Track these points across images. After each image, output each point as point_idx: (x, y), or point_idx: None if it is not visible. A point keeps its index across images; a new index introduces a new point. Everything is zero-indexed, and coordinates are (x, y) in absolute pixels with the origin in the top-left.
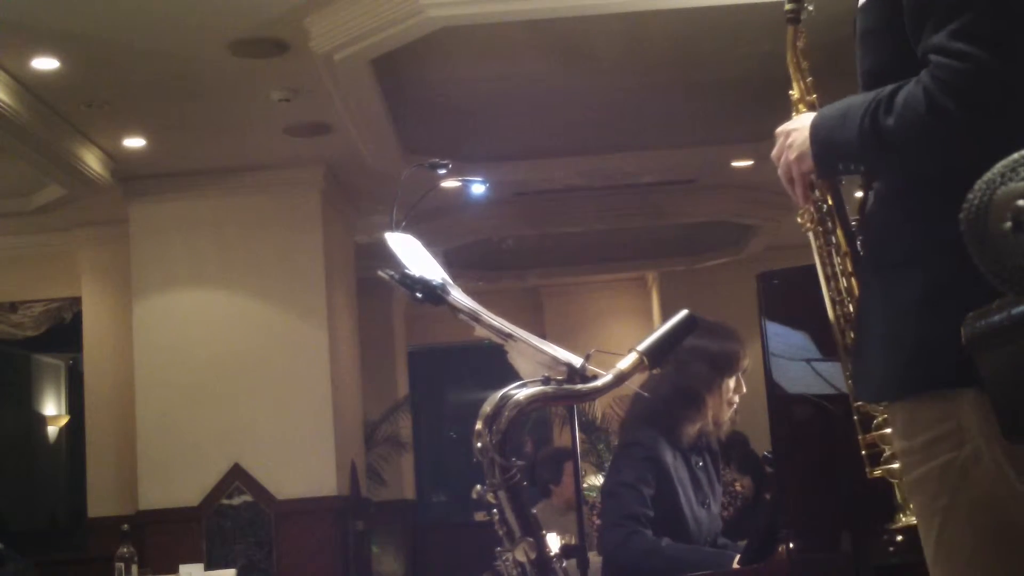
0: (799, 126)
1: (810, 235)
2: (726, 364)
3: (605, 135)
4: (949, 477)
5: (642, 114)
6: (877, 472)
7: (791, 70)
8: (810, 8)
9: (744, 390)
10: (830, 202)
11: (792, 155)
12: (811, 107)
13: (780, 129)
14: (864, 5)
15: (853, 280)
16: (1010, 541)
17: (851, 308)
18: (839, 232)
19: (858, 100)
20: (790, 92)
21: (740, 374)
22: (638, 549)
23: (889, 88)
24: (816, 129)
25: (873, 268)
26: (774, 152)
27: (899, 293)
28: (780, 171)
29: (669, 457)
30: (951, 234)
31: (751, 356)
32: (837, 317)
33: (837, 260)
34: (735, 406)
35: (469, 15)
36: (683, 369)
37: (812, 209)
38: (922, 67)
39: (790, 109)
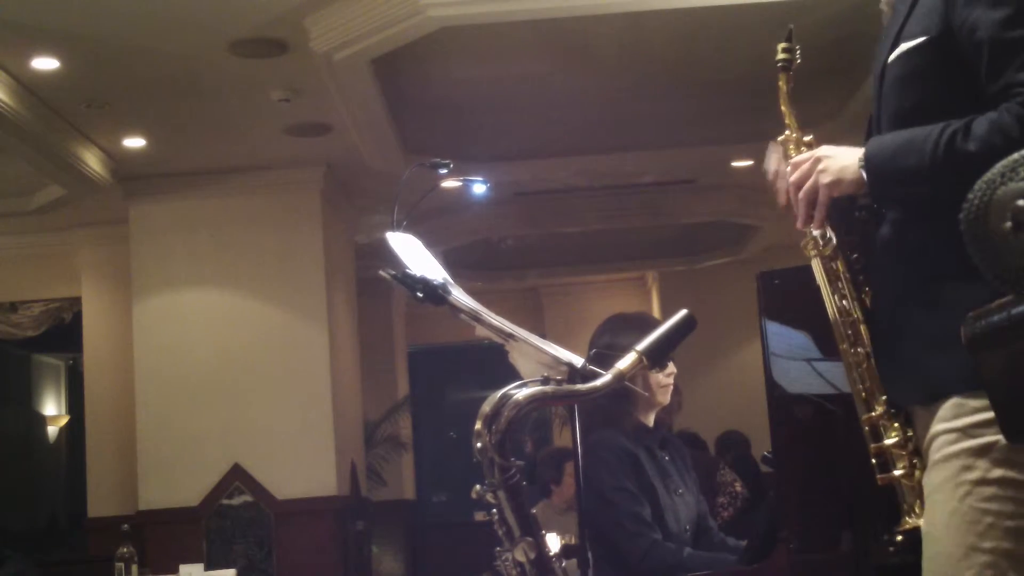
0: (832, 154)
1: (814, 262)
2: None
3: (605, 135)
4: (988, 455)
5: (642, 114)
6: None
7: (784, 112)
8: (798, 60)
9: (673, 369)
10: (829, 231)
11: (825, 179)
12: (809, 147)
13: (804, 156)
14: (911, 49)
15: (855, 303)
16: None
17: (859, 328)
18: (840, 260)
19: (920, 131)
20: (786, 132)
21: None
22: (663, 562)
23: (960, 120)
24: (873, 157)
25: (922, 279)
26: (795, 177)
27: (957, 300)
28: (802, 194)
29: (632, 448)
30: None
31: (750, 355)
32: (846, 336)
33: (839, 284)
34: (669, 387)
35: (469, 15)
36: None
37: (818, 235)
38: (992, 101)
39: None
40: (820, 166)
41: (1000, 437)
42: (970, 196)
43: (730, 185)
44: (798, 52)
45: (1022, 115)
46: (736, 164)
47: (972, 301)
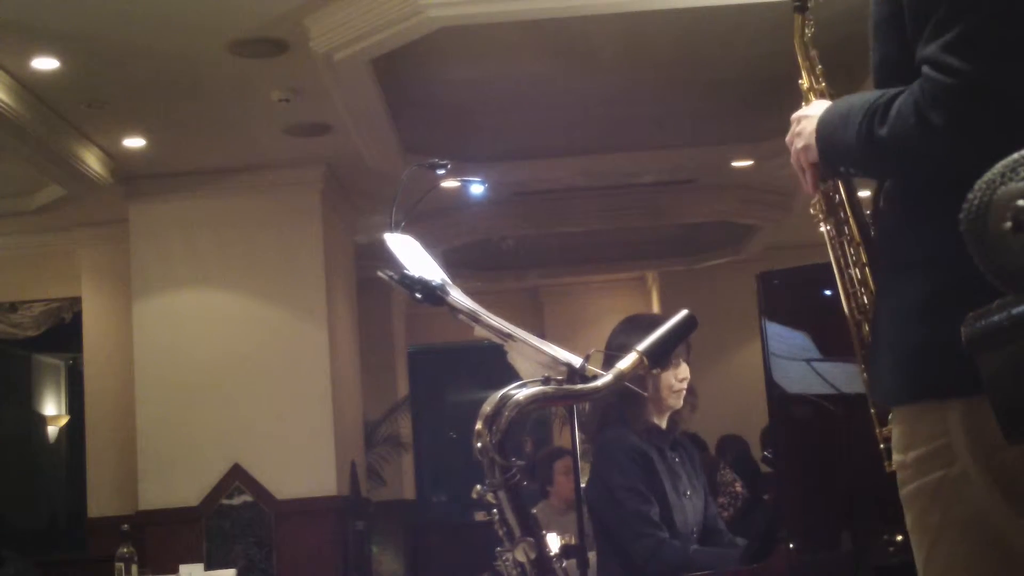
0: (811, 114)
1: (822, 226)
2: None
3: (605, 135)
4: (940, 494)
5: (642, 114)
6: (894, 466)
7: (800, 59)
8: None
9: (686, 373)
10: (842, 192)
11: (799, 144)
12: (821, 96)
13: (794, 115)
14: None
15: (867, 270)
16: (1000, 560)
17: (866, 300)
18: (851, 222)
19: (859, 102)
20: (799, 81)
21: (674, 358)
22: (671, 562)
23: (889, 94)
24: (821, 126)
25: (883, 269)
26: (788, 137)
27: (904, 296)
28: (792, 158)
29: (644, 448)
30: (956, 238)
31: (750, 355)
32: (851, 309)
33: (850, 251)
34: (682, 391)
35: (469, 15)
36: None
37: (823, 199)
38: (919, 74)
39: (791, 108)
40: (797, 128)
41: (946, 471)
42: (970, 196)
43: (730, 185)
44: None
45: (920, 102)
46: (736, 164)
47: (903, 296)
